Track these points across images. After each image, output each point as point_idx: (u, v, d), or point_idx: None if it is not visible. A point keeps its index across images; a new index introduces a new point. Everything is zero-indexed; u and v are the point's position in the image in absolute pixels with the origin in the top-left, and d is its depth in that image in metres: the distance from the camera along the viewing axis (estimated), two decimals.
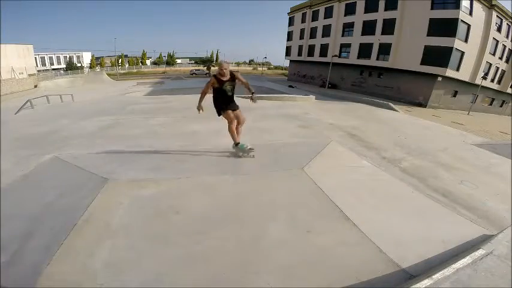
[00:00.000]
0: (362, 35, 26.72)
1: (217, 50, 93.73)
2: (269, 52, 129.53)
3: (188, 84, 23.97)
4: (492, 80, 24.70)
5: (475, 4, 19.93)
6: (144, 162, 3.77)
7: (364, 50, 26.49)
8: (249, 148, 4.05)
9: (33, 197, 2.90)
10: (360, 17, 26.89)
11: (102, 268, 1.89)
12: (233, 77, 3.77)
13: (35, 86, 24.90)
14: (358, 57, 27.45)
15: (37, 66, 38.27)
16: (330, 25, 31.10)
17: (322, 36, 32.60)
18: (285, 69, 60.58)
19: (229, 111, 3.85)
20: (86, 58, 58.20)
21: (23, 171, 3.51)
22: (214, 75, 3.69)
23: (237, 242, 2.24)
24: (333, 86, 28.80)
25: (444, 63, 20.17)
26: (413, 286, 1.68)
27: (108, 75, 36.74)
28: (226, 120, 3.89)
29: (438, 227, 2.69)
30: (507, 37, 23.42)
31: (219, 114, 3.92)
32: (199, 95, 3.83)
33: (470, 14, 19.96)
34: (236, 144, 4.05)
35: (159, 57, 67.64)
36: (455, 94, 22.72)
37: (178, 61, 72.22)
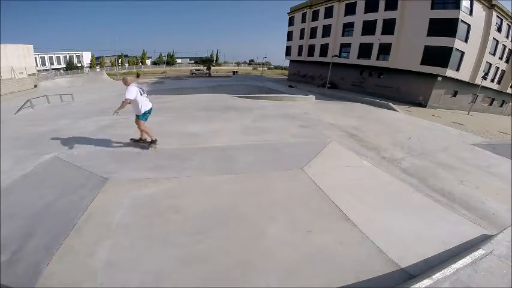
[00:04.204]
0: (362, 35, 26.69)
1: (217, 50, 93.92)
2: (269, 52, 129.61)
3: (188, 84, 23.95)
4: (492, 80, 24.68)
5: (475, 4, 19.91)
6: (144, 162, 3.77)
7: (364, 50, 26.47)
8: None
9: (33, 197, 2.89)
10: (360, 17, 26.86)
11: (102, 268, 1.89)
12: None
13: (35, 86, 24.87)
14: (358, 57, 27.43)
15: (37, 66, 38.22)
16: (330, 25, 31.07)
17: (322, 36, 32.57)
18: (285, 69, 60.56)
19: None
20: (86, 58, 58.17)
21: (23, 171, 3.50)
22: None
23: (237, 241, 2.24)
24: (333, 86, 28.78)
25: (444, 63, 20.15)
26: (413, 286, 1.68)
27: (108, 75, 36.70)
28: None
29: (438, 227, 2.69)
30: (507, 37, 23.40)
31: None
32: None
33: (471, 14, 19.95)
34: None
35: (159, 57, 67.67)
36: (455, 94, 22.71)
37: (178, 61, 72.23)
